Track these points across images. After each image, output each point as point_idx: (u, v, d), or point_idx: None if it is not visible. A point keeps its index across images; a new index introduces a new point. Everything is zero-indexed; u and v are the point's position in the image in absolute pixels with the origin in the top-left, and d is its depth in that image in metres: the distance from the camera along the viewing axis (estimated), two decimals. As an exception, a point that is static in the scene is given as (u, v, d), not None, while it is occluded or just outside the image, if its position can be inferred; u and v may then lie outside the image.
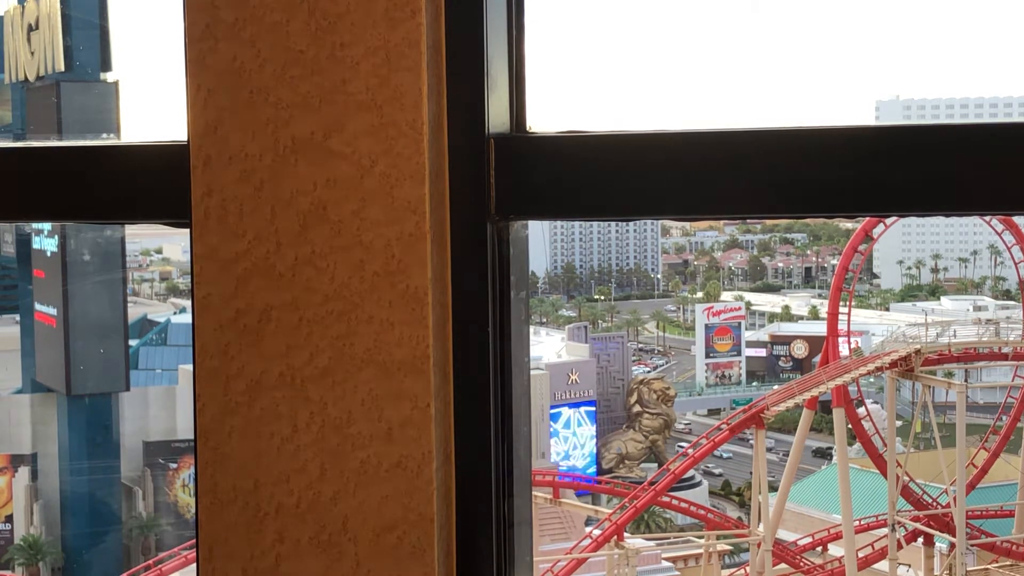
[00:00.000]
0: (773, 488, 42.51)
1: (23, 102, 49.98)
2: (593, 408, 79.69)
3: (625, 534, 39.97)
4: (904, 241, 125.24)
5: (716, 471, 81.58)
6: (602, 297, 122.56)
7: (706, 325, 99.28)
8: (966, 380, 51.75)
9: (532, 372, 2.20)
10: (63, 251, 47.79)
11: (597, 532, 39.03)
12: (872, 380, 58.65)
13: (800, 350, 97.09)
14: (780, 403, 42.07)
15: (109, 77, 48.65)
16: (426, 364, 1.87)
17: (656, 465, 74.19)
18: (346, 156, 1.89)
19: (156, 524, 54.34)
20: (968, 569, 42.19)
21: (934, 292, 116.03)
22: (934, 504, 43.60)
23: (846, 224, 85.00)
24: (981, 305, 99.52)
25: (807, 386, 43.15)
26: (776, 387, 55.23)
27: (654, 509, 56.21)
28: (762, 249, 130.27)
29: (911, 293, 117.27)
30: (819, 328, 75.26)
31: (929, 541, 43.91)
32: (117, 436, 50.78)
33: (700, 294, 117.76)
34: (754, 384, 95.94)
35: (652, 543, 51.00)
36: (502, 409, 1.97)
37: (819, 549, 49.15)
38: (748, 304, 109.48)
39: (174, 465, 55.29)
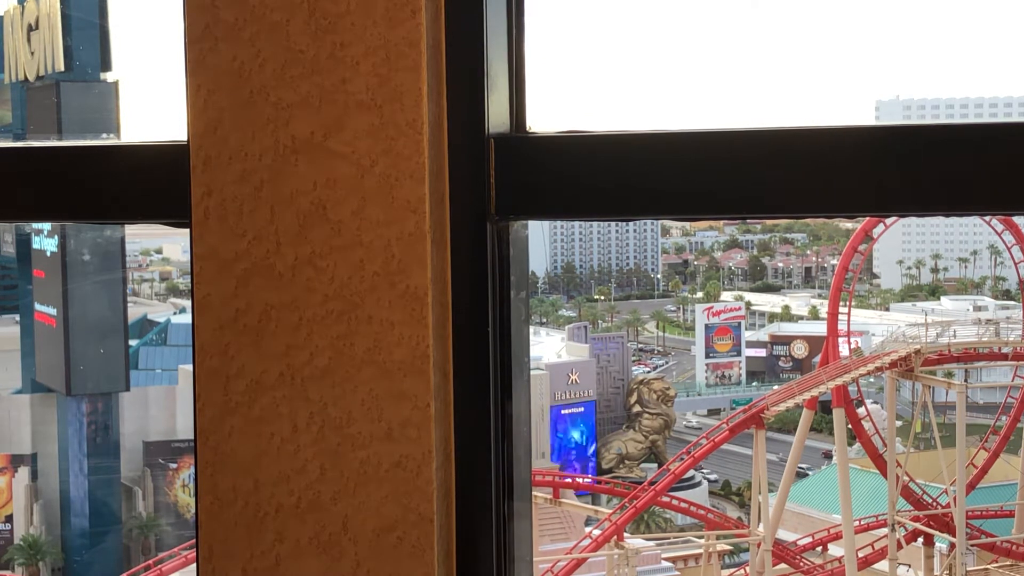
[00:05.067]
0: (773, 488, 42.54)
1: (23, 102, 49.95)
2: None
3: (625, 534, 39.97)
4: (904, 241, 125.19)
5: (711, 476, 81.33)
6: (602, 297, 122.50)
7: (706, 325, 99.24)
8: (966, 380, 51.75)
9: (532, 372, 2.20)
10: (63, 251, 47.77)
11: (597, 532, 39.02)
12: (872, 380, 58.64)
13: (800, 350, 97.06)
14: (780, 403, 42.08)
15: (109, 77, 48.64)
16: (426, 364, 1.87)
17: (656, 465, 74.17)
18: (346, 156, 1.89)
19: (156, 524, 54.33)
20: (968, 569, 42.18)
21: (934, 292, 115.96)
22: (934, 504, 43.59)
23: (846, 224, 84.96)
24: (981, 305, 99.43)
25: (807, 386, 43.15)
26: (776, 387, 55.22)
27: (654, 509, 56.21)
28: (762, 249, 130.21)
29: (911, 293, 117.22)
30: (819, 328, 75.24)
31: (929, 541, 43.89)
32: (117, 436, 50.76)
33: (700, 294, 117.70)
34: (754, 384, 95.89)
35: (652, 543, 50.99)
36: (502, 409, 1.97)
37: (819, 549, 49.15)
38: (748, 304, 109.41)
39: (174, 465, 55.29)
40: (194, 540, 2.01)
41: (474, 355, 1.94)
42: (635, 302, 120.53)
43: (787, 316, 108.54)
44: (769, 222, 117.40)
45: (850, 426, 43.55)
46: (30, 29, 48.31)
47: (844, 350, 47.54)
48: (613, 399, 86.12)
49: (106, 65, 48.58)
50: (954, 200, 1.79)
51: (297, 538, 1.91)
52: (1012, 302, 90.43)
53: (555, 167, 1.92)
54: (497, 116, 1.94)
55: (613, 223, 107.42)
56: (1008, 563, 43.80)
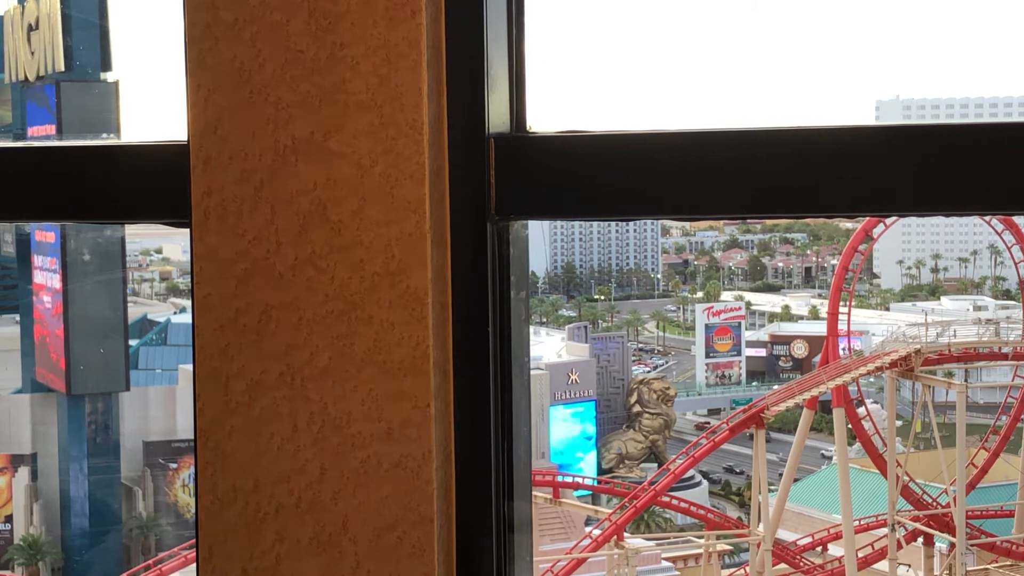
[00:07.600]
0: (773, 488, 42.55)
1: (23, 102, 49.97)
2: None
3: (625, 534, 39.96)
4: (904, 241, 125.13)
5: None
6: (602, 297, 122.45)
7: (706, 325, 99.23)
8: (966, 380, 51.70)
9: (532, 372, 2.20)
10: (63, 251, 47.76)
11: (597, 532, 39.01)
12: (872, 380, 58.64)
13: (800, 350, 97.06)
14: (780, 403, 42.07)
15: (109, 77, 48.63)
16: (426, 364, 1.87)
17: (656, 465, 74.17)
18: (346, 156, 1.89)
19: (156, 524, 54.32)
20: (968, 569, 42.17)
21: (934, 292, 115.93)
22: (934, 504, 43.59)
23: (846, 224, 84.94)
24: (981, 305, 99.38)
25: (807, 386, 43.15)
26: (776, 387, 55.21)
27: (654, 509, 56.19)
28: (762, 249, 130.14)
29: (911, 293, 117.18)
30: (819, 328, 75.21)
31: (929, 541, 43.89)
32: (117, 436, 50.75)
33: (700, 294, 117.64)
34: (754, 384, 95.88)
35: (652, 543, 50.99)
36: (502, 409, 1.97)
37: (819, 549, 49.14)
38: (748, 304, 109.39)
39: (174, 465, 55.28)
40: (194, 540, 2.01)
41: (474, 355, 1.94)
42: (635, 302, 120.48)
43: (787, 316, 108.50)
44: (769, 222, 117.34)
45: (850, 426, 43.55)
46: (30, 29, 48.30)
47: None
48: (613, 399, 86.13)
49: (106, 65, 48.56)
50: (954, 200, 1.79)
51: (297, 538, 1.91)
52: (1012, 302, 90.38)
53: (555, 167, 1.92)
54: (497, 116, 1.94)
55: (613, 223, 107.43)
56: (1008, 563, 43.80)
